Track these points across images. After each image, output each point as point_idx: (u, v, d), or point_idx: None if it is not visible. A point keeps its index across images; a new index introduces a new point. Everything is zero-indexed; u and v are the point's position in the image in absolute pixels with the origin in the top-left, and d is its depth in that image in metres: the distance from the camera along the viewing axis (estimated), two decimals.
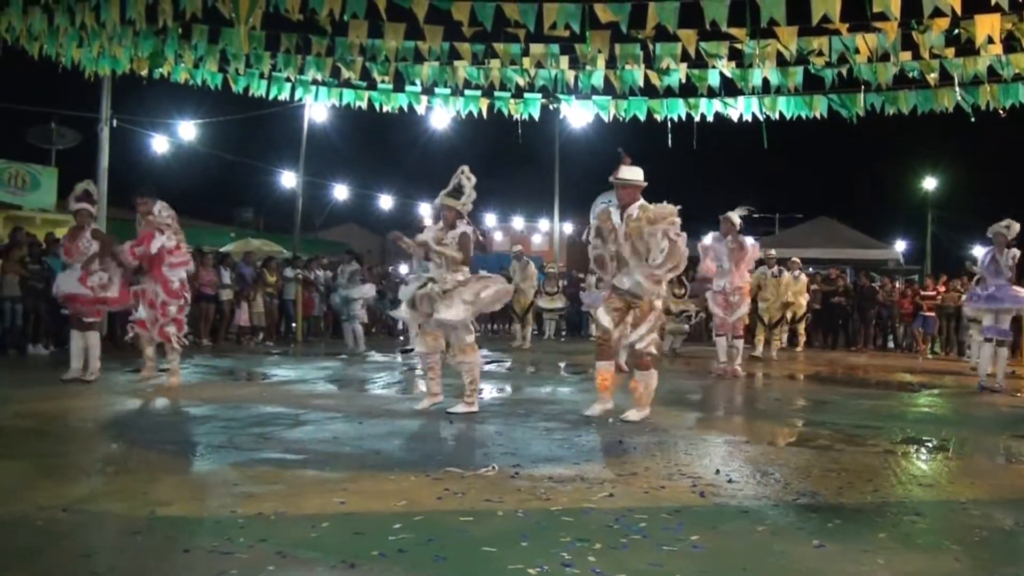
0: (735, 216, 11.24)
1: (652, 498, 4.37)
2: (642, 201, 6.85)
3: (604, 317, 6.80)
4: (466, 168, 7.17)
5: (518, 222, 37.65)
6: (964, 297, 12.63)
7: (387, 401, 7.92)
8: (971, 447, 6.42)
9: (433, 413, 7.07)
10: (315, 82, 13.98)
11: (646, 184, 6.95)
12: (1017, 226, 10.28)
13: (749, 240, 11.77)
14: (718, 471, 5.02)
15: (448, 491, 4.39)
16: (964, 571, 3.40)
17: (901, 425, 7.31)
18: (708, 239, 11.54)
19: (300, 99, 15.84)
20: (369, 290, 14.76)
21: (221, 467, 4.95)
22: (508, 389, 9.34)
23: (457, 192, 7.11)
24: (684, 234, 6.86)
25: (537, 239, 41.70)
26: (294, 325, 16.83)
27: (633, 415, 6.76)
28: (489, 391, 8.88)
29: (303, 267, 16.97)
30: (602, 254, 6.94)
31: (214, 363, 11.29)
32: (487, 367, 11.92)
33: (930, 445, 6.37)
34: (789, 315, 15.64)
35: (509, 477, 4.75)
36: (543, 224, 37.03)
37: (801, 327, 16.79)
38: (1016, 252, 10.25)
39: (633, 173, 6.91)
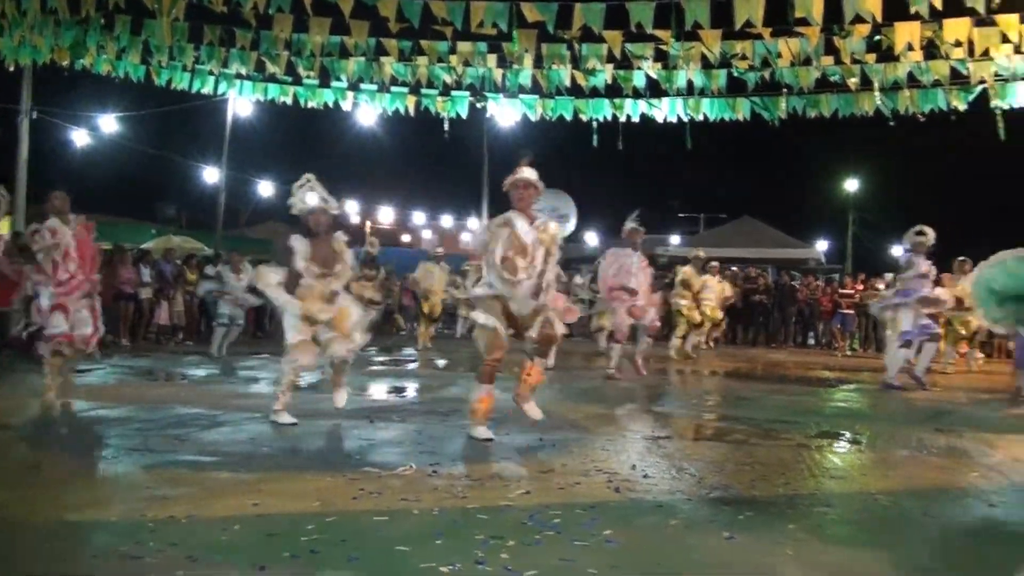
0: (636, 224, 11.05)
1: (568, 494, 4.39)
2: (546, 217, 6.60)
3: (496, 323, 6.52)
4: (311, 176, 6.96)
5: (447, 220, 37.49)
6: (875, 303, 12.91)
7: (308, 400, 7.81)
8: (884, 440, 6.56)
9: (353, 413, 7.00)
10: (239, 76, 13.77)
11: (542, 188, 6.69)
12: (932, 232, 10.55)
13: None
14: (634, 467, 5.07)
15: (364, 491, 4.35)
16: (872, 560, 3.48)
17: (816, 420, 7.46)
18: (609, 253, 11.23)
19: (224, 93, 15.60)
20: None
21: (134, 470, 4.82)
22: (430, 388, 9.29)
23: (326, 199, 6.95)
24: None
25: (467, 237, 41.56)
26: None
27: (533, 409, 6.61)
28: (412, 390, 8.84)
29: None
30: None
31: (132, 363, 11.01)
32: (411, 366, 11.89)
33: (844, 439, 6.52)
34: (714, 316, 15.90)
35: (427, 476, 4.73)
36: (472, 222, 36.98)
37: (720, 325, 17.06)
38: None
39: (532, 174, 6.56)
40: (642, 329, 11.00)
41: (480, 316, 6.02)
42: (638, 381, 10.39)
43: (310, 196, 6.85)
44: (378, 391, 8.84)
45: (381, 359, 12.54)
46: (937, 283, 11.53)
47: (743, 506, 4.21)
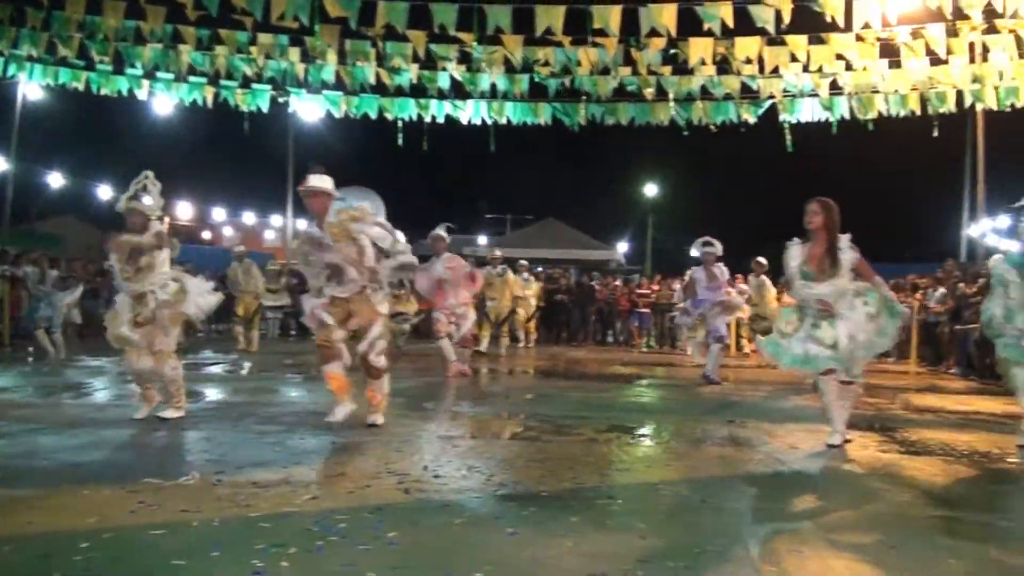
0: (444, 232, 11.25)
1: (356, 497, 4.33)
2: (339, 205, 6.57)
3: (326, 317, 6.59)
4: (150, 173, 6.81)
5: (249, 217, 36.42)
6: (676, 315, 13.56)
7: (94, 409, 7.37)
8: (670, 433, 6.85)
9: (140, 421, 6.65)
10: (30, 59, 12.82)
11: (338, 194, 6.75)
12: (719, 244, 11.17)
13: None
14: (426, 467, 5.06)
15: (143, 504, 4.13)
16: (648, 547, 3.61)
17: (609, 414, 7.70)
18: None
19: (12, 76, 14.45)
20: (75, 292, 13.45)
21: None
22: (223, 392, 8.97)
23: (142, 197, 6.74)
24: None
25: (270, 235, 40.39)
26: None
27: (378, 419, 6.63)
28: (205, 394, 8.50)
29: (11, 263, 15.42)
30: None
31: None
32: (209, 370, 11.45)
33: (633, 432, 6.75)
34: (522, 313, 16.21)
35: (211, 485, 4.54)
36: (275, 220, 36.02)
37: (531, 325, 17.42)
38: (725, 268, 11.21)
39: (323, 181, 6.58)
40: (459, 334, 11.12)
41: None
42: (439, 381, 10.45)
43: (146, 197, 6.79)
44: None
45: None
46: (732, 283, 12.25)
47: (529, 502, 4.29)
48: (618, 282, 21.69)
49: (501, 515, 4.04)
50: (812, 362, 6.20)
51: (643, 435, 6.71)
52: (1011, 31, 10.95)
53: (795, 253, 6.33)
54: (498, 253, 16.20)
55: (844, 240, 6.22)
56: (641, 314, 20.15)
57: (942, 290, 16.19)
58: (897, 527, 4.08)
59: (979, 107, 13.83)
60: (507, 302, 15.45)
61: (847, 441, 6.31)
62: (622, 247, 36.53)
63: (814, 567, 3.44)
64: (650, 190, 39.49)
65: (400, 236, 6.76)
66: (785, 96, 13.00)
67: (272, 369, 11.54)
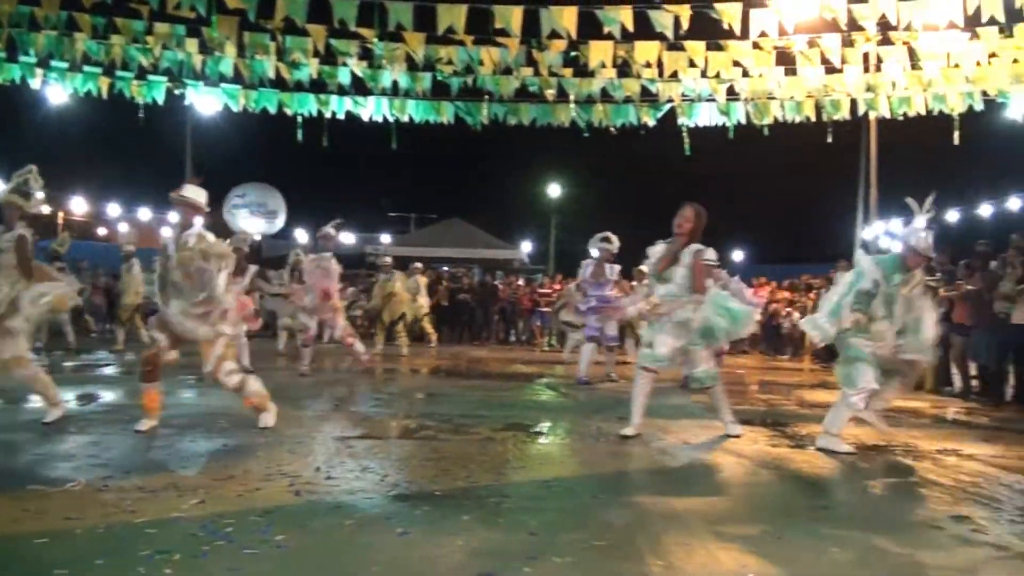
0: (333, 229, 11.23)
1: (245, 501, 4.24)
2: (201, 230, 6.34)
3: (157, 335, 6.31)
4: (34, 168, 6.56)
5: (145, 213, 35.28)
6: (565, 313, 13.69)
7: None
8: (565, 430, 6.93)
9: (25, 424, 6.39)
10: None
11: (208, 210, 6.57)
12: (617, 240, 11.29)
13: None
14: (319, 468, 4.99)
15: (27, 511, 3.96)
16: (538, 543, 3.63)
17: (506, 413, 7.73)
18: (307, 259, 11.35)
19: None
20: None
21: None
22: (115, 394, 8.68)
23: (25, 193, 6.49)
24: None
25: (167, 232, 39.25)
26: None
27: (269, 420, 6.49)
28: (96, 396, 8.22)
29: None
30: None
31: None
32: (101, 371, 11.08)
33: (529, 430, 6.78)
34: (410, 315, 16.10)
35: (97, 491, 4.38)
36: (173, 216, 35.00)
37: (427, 325, 17.31)
38: (618, 266, 11.31)
39: (196, 193, 6.41)
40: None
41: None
42: (338, 380, 10.34)
43: (37, 191, 6.58)
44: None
45: (69, 364, 11.58)
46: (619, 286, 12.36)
47: (422, 501, 4.27)
48: (521, 282, 21.82)
49: (392, 515, 4.01)
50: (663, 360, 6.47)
51: (539, 433, 6.74)
52: (904, 43, 11.40)
53: (656, 251, 6.59)
54: (388, 260, 16.08)
55: (692, 250, 6.41)
56: (543, 314, 20.31)
57: None
58: (783, 518, 4.21)
59: (872, 115, 14.36)
60: (398, 306, 15.35)
61: (636, 435, 6.50)
62: (526, 247, 36.71)
63: (700, 559, 3.51)
64: (554, 190, 39.78)
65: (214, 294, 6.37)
66: (684, 100, 13.26)
67: (166, 370, 11.19)
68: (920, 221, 6.47)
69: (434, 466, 5.14)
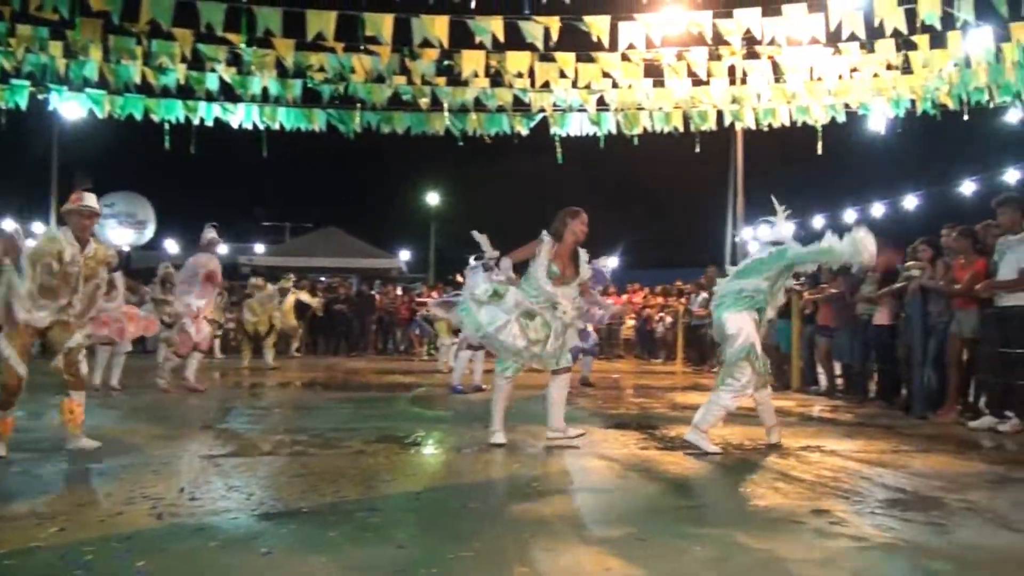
0: (213, 234, 10.95)
1: (107, 526, 4.05)
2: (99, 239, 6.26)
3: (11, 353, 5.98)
4: None
5: (7, 224, 33.61)
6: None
7: None
8: (438, 441, 6.92)
9: None
10: None
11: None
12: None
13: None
14: (183, 489, 4.82)
15: None
16: (405, 556, 3.60)
17: (380, 425, 7.67)
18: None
19: None
20: None
21: None
22: None
23: None
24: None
25: (31, 243, 37.35)
26: None
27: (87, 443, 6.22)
28: None
29: None
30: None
31: None
32: None
33: (402, 442, 6.73)
34: (278, 325, 15.80)
35: None
36: (37, 227, 33.39)
37: (297, 337, 17.03)
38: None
39: (94, 201, 6.28)
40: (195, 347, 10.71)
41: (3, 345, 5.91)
42: (207, 396, 10.05)
43: None
44: None
45: None
46: None
47: (288, 519, 4.18)
48: (399, 291, 21.71)
49: (257, 535, 3.91)
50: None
51: (412, 444, 6.70)
52: (769, 57, 11.86)
53: (547, 248, 6.54)
54: (260, 282, 15.76)
55: (584, 254, 6.58)
56: (421, 323, 20.25)
57: (704, 295, 17.25)
58: (648, 520, 4.30)
59: (738, 126, 14.89)
60: (266, 319, 15.05)
61: (580, 434, 6.71)
62: (405, 255, 36.55)
63: (565, 563, 3.55)
64: (432, 198, 39.77)
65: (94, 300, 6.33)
66: (555, 110, 13.45)
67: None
68: (781, 218, 6.80)
69: (302, 482, 5.04)
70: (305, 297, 16.70)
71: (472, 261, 6.63)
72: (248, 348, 14.80)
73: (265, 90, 12.77)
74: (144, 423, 7.23)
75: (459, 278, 16.28)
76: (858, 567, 3.57)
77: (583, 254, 6.64)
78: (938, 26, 10.05)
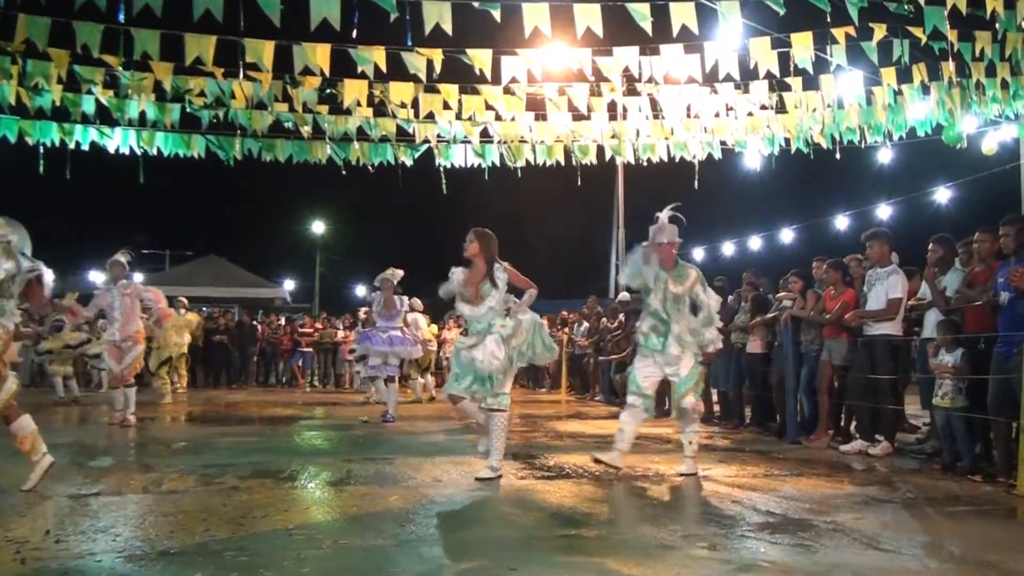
0: (124, 258, 10.74)
1: None
2: None
3: None
4: None
5: None
6: (356, 338, 13.66)
7: None
8: (315, 474, 6.78)
9: None
10: None
11: None
12: (400, 272, 11.47)
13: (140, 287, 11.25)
14: (48, 532, 4.61)
15: None
16: None
17: (256, 459, 7.50)
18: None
19: None
20: None
21: None
22: None
23: None
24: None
25: None
26: None
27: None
28: None
29: None
30: None
31: None
32: None
33: (278, 476, 6.61)
34: (175, 354, 15.35)
35: None
36: None
37: (183, 366, 16.52)
38: (406, 298, 11.52)
39: None
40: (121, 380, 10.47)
41: None
42: (79, 432, 9.68)
43: None
44: None
45: None
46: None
47: (154, 561, 4.04)
48: (281, 321, 21.33)
49: None
50: (452, 384, 6.61)
51: (287, 479, 6.57)
52: (648, 94, 12.19)
53: (457, 278, 6.79)
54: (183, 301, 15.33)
55: (500, 266, 6.67)
56: (304, 353, 19.94)
57: (586, 324, 17.55)
58: (520, 550, 4.34)
59: (619, 160, 15.23)
60: (171, 346, 14.63)
61: (487, 480, 6.61)
62: (289, 285, 35.97)
63: None
64: (318, 227, 39.32)
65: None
66: (440, 141, 13.50)
67: None
68: (664, 216, 7.07)
69: (171, 521, 4.89)
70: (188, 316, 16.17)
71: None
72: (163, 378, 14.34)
73: (143, 114, 12.41)
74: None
75: (361, 314, 16.22)
76: None
77: (497, 271, 6.69)
78: (810, 70, 10.53)
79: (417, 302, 14.70)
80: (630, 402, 6.98)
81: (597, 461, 6.79)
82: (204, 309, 22.37)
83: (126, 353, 10.53)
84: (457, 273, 6.81)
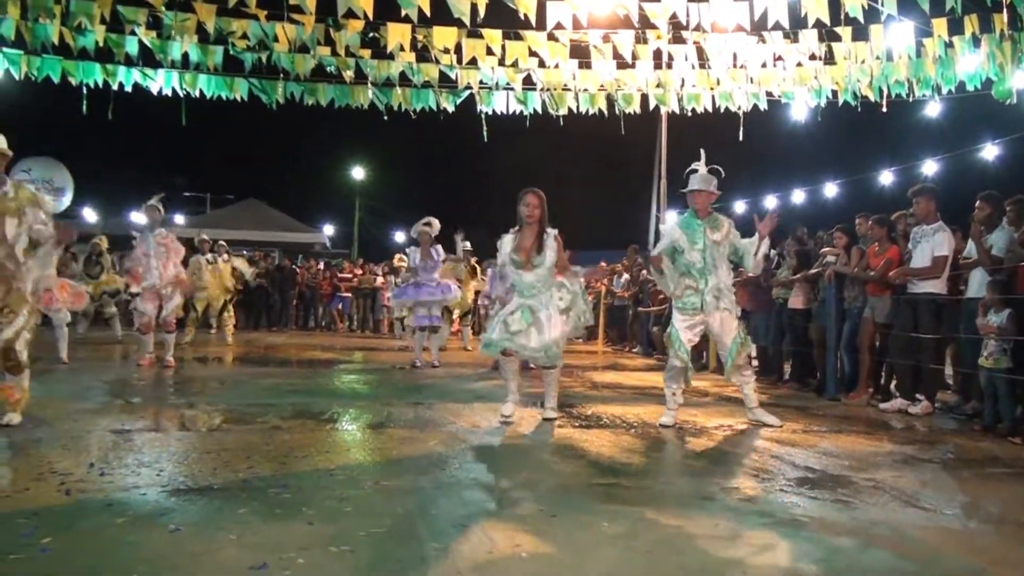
0: (159, 203, 10.85)
1: (12, 503, 3.94)
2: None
3: None
4: None
5: None
6: (391, 295, 13.72)
7: None
8: (354, 417, 6.87)
9: None
10: None
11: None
12: (438, 223, 11.47)
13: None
14: (92, 464, 4.72)
15: None
16: (313, 533, 3.58)
17: (297, 400, 7.61)
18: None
19: None
20: None
21: None
22: None
23: None
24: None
25: None
26: None
27: (15, 419, 5.98)
28: None
29: None
30: None
31: None
32: None
33: (318, 418, 6.70)
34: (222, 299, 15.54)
35: None
36: None
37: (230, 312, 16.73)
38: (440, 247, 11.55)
39: (3, 142, 6.04)
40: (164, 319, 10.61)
41: None
42: (123, 370, 9.86)
43: None
44: None
45: None
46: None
47: (198, 495, 4.13)
48: (320, 266, 21.47)
49: (166, 512, 3.86)
50: (493, 346, 6.64)
51: (328, 420, 6.66)
52: (695, 42, 11.97)
53: (507, 240, 6.87)
54: (206, 237, 15.41)
55: (551, 233, 6.68)
56: (343, 298, 20.08)
57: (626, 276, 17.46)
58: (559, 497, 4.37)
59: (663, 110, 15.02)
60: (218, 292, 14.78)
61: (552, 420, 6.87)
62: (328, 230, 36.13)
63: (476, 539, 3.58)
64: (358, 173, 39.34)
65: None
66: (482, 88, 13.37)
67: None
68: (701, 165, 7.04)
69: (215, 458, 4.98)
70: (240, 264, 16.29)
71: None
72: (194, 323, 14.49)
73: (186, 56, 12.41)
74: (58, 397, 7.02)
75: (396, 261, 16.25)
76: (763, 543, 3.68)
77: (547, 236, 6.76)
78: (861, 19, 10.25)
79: (467, 244, 14.64)
80: (672, 363, 7.00)
81: (664, 427, 6.83)
82: (244, 252, 22.62)
83: (167, 300, 10.63)
84: (507, 241, 6.88)
